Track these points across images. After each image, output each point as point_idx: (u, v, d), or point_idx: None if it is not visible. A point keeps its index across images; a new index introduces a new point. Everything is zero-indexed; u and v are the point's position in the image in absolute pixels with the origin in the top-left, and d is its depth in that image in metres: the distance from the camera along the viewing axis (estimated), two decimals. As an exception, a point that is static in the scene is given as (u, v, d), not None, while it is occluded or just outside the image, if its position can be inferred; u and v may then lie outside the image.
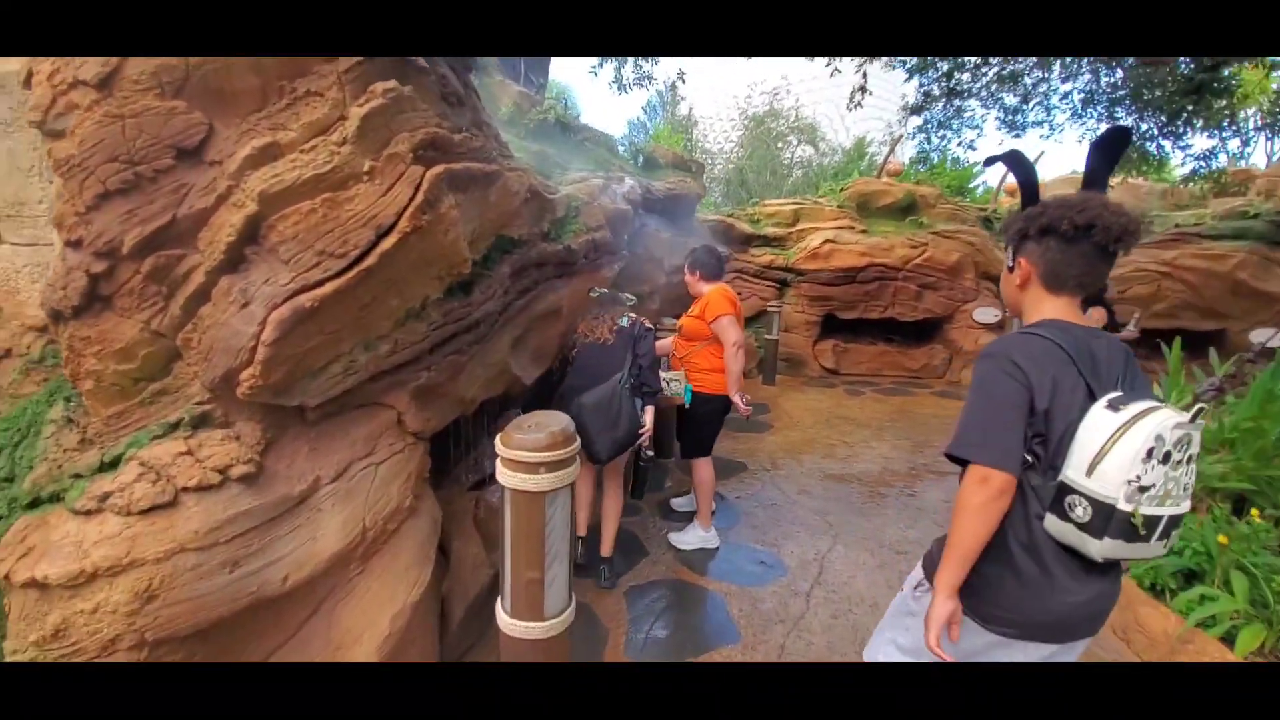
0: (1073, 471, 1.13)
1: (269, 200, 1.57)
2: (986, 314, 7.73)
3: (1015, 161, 1.41)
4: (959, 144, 7.65)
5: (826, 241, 7.82)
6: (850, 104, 6.54)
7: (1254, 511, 2.59)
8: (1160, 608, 2.43)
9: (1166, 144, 6.78)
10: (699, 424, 3.30)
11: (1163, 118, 6.28)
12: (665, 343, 3.55)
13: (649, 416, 2.82)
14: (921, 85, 6.84)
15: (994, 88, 6.75)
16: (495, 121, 2.71)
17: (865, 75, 6.24)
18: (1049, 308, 1.28)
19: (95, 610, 1.43)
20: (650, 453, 2.93)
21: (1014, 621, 1.23)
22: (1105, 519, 1.08)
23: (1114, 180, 8.60)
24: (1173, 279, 7.33)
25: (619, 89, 5.91)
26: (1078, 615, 1.23)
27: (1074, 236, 1.21)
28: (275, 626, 1.78)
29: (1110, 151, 1.31)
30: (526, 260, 2.72)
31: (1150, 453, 1.05)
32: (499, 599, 1.85)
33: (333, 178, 1.62)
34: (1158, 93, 6.09)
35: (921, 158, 8.77)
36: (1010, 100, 6.95)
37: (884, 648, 1.50)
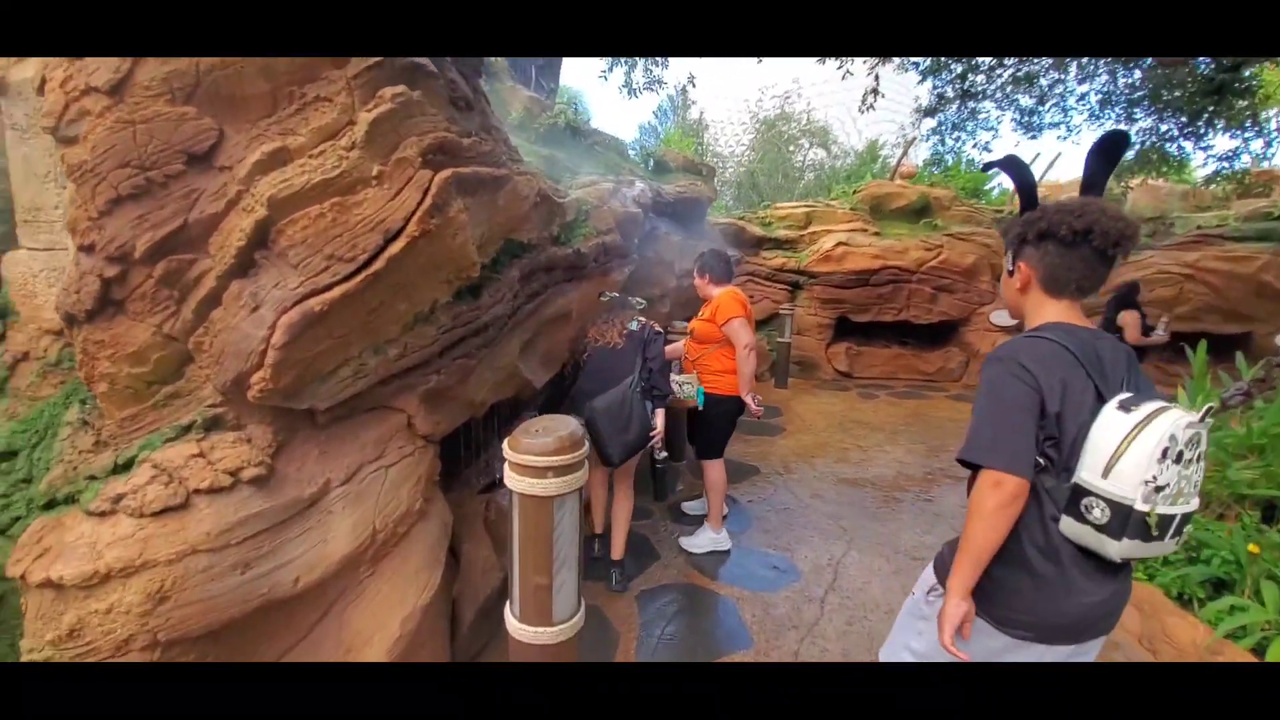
0: (1088, 473, 1.14)
1: (278, 205, 1.58)
2: (1003, 316, 7.44)
3: (1012, 166, 1.42)
4: (974, 146, 7.56)
5: (839, 244, 7.76)
6: (862, 107, 6.51)
7: (1284, 519, 2.51)
8: (1188, 618, 2.35)
9: (1187, 145, 6.66)
10: (712, 425, 3.30)
11: (1183, 118, 6.18)
12: (676, 346, 3.54)
13: (660, 419, 2.83)
14: (935, 87, 6.78)
15: (1009, 89, 6.67)
16: (505, 126, 2.72)
17: (877, 78, 6.20)
18: (1050, 311, 1.30)
19: (109, 610, 1.45)
20: (664, 454, 2.92)
21: (1030, 624, 1.24)
22: (1123, 520, 1.09)
23: (1134, 182, 8.53)
24: (1195, 281, 7.19)
25: (629, 93, 5.92)
26: (1093, 615, 1.23)
27: (1073, 241, 1.22)
28: (286, 628, 1.78)
29: (1108, 156, 1.31)
30: (536, 264, 2.73)
31: (1165, 453, 1.06)
32: (508, 603, 1.84)
33: (341, 182, 1.63)
34: (1177, 93, 5.99)
35: (935, 160, 8.69)
36: (1026, 102, 6.86)
37: (899, 653, 1.51)
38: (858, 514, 3.90)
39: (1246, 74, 5.55)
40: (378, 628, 1.87)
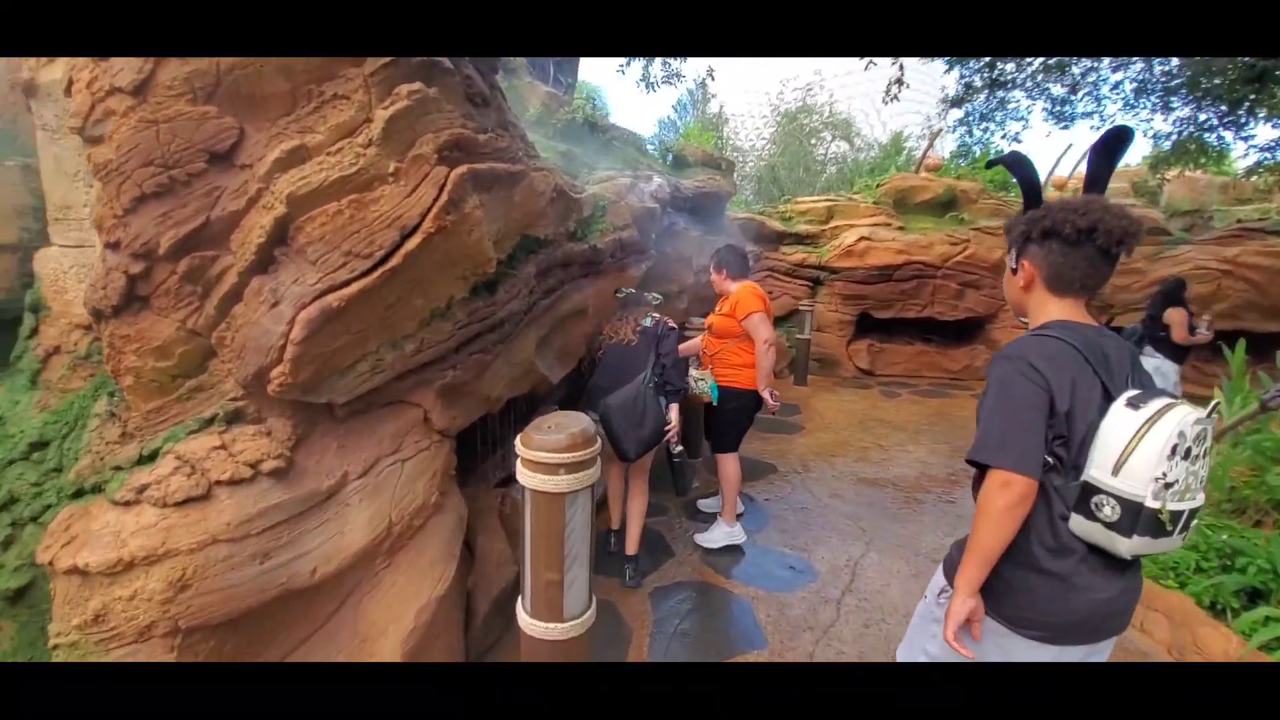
0: (1097, 471, 1.14)
1: (297, 202, 1.60)
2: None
3: (1016, 163, 1.41)
4: (1002, 136, 7.33)
5: (862, 239, 7.64)
6: (886, 98, 6.38)
7: (1325, 526, 2.41)
8: (1221, 628, 2.28)
9: (1227, 135, 6.39)
10: (729, 418, 3.29)
11: (1223, 107, 5.93)
12: (694, 342, 3.53)
13: (674, 414, 2.83)
14: (962, 77, 6.61)
15: (1040, 78, 6.47)
16: (523, 122, 2.72)
17: (902, 68, 6.08)
18: (1055, 309, 1.29)
19: (133, 597, 1.49)
20: (680, 448, 2.92)
21: (1041, 623, 1.23)
22: (1134, 517, 1.10)
23: (1171, 174, 8.22)
24: (1234, 277, 6.92)
25: (646, 87, 5.88)
26: (1104, 613, 1.23)
27: (1076, 240, 1.22)
28: (304, 618, 1.82)
29: (1111, 153, 1.30)
30: (552, 260, 2.73)
31: (1174, 449, 1.07)
32: (520, 598, 1.85)
33: (359, 179, 1.64)
34: (1217, 81, 5.74)
35: (962, 152, 8.49)
36: (1058, 91, 6.65)
37: (916, 657, 1.50)
38: (878, 515, 3.84)
39: (1289, 62, 5.30)
40: (393, 619, 1.90)
